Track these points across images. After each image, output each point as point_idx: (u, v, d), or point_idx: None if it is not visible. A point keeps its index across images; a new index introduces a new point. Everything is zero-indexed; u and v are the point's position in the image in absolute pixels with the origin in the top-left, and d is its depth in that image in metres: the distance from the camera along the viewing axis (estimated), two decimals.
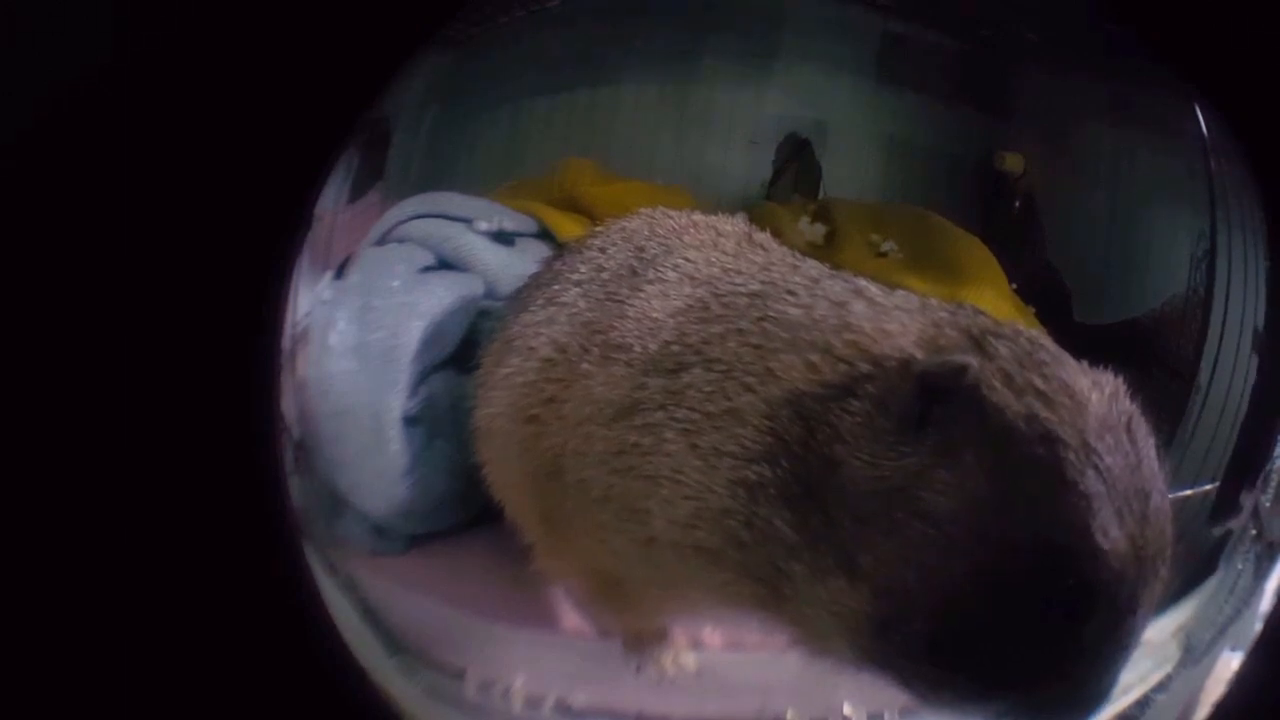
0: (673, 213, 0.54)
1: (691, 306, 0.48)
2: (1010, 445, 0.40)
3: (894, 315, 0.44)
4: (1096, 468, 0.40)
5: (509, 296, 0.57)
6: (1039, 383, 0.41)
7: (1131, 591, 0.40)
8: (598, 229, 0.55)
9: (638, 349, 0.47)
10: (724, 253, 0.51)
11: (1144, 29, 0.57)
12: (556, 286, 0.52)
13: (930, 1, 0.58)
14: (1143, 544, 0.40)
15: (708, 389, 0.45)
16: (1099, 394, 0.41)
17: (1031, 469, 0.40)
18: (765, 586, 0.44)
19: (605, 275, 0.51)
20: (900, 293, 0.46)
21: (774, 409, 0.43)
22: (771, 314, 0.45)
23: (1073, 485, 0.40)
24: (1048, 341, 0.43)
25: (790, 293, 0.46)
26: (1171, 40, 0.56)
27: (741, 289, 0.47)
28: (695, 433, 0.44)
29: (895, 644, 0.41)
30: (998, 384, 0.41)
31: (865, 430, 0.42)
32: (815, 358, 0.43)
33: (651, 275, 0.50)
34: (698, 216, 0.54)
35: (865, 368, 0.42)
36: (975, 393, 0.40)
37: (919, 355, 0.42)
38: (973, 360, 0.41)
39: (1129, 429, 0.41)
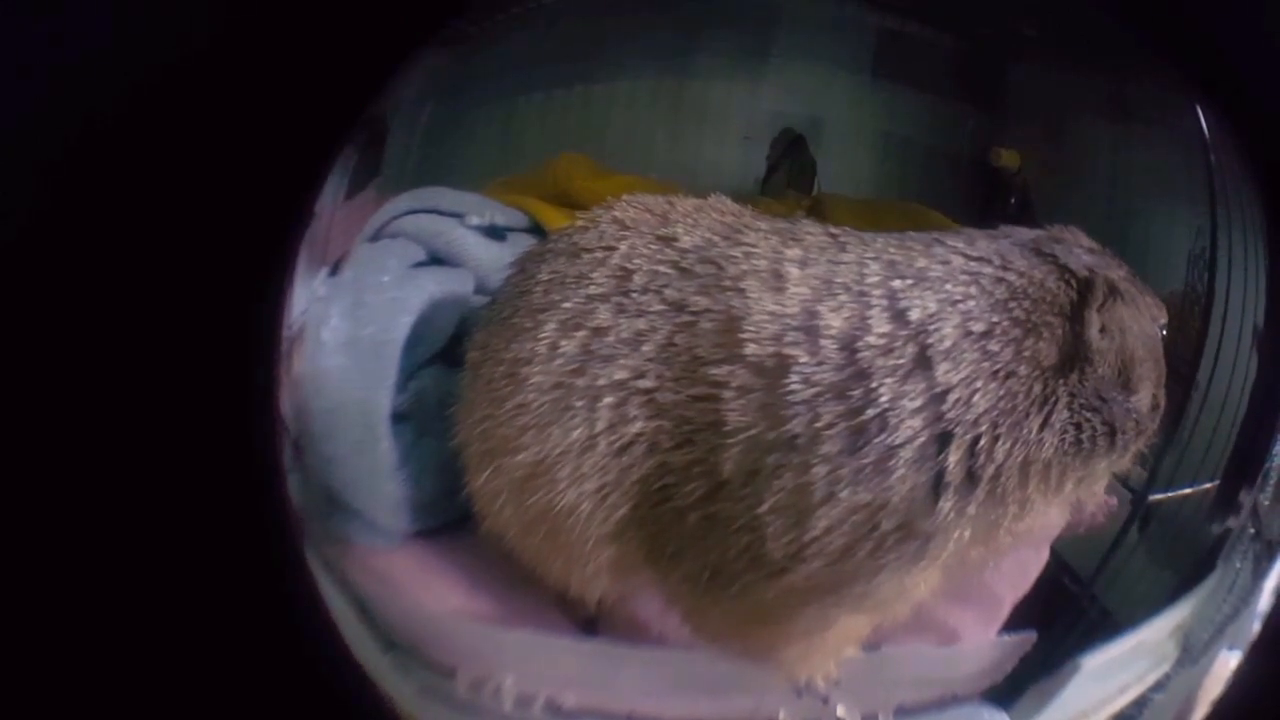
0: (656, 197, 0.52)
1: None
2: None
3: None
4: None
5: (479, 324, 0.54)
6: None
7: None
8: (565, 236, 0.52)
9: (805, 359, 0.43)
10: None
11: (1143, 26, 0.56)
12: (569, 305, 0.48)
13: None
14: None
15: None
16: None
17: None
18: None
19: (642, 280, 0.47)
20: None
21: None
22: None
23: None
24: None
25: None
26: (1171, 37, 0.56)
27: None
28: None
29: None
30: None
31: None
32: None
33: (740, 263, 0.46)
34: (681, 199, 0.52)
35: None
36: None
37: None
38: None
39: None
